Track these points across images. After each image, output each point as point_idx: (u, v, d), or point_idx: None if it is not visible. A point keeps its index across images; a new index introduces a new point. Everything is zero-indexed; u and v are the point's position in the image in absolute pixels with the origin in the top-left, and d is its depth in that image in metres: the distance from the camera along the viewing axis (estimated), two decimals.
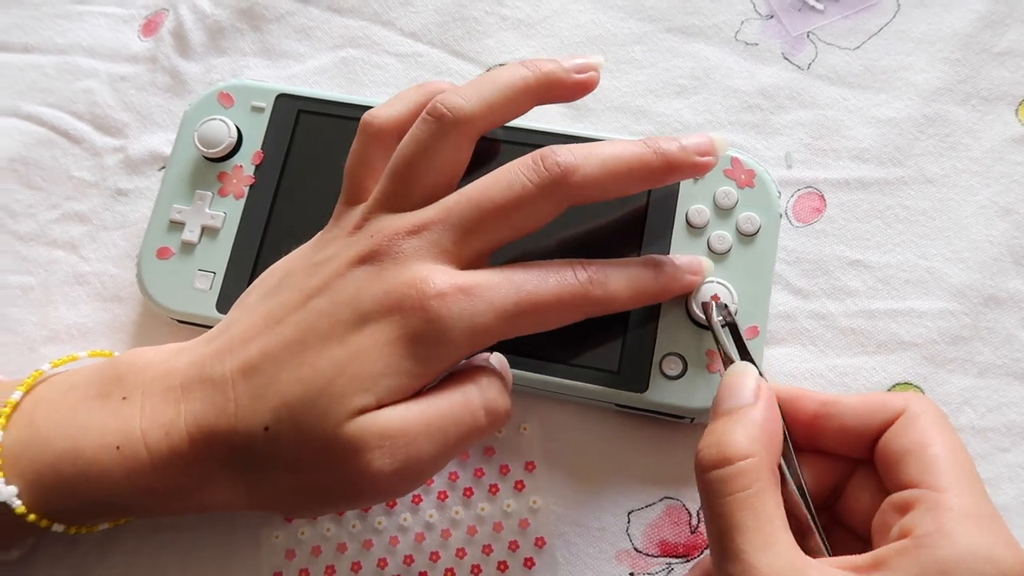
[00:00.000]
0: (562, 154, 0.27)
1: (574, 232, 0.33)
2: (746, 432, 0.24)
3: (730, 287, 0.31)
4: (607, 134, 0.34)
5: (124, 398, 0.27)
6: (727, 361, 0.28)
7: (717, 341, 0.28)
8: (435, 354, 0.25)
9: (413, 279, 0.25)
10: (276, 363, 0.26)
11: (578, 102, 0.37)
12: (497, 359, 0.29)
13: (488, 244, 0.27)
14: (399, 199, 0.28)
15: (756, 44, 0.37)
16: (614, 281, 0.27)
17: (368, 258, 0.26)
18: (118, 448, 0.26)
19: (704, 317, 0.30)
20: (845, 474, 0.26)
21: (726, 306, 0.30)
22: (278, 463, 0.25)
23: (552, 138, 0.34)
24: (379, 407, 0.25)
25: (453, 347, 0.25)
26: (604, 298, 0.27)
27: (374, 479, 0.24)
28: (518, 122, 0.34)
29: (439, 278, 0.25)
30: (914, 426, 0.24)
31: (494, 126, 0.29)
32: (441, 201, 0.27)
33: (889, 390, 0.32)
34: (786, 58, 0.37)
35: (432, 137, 0.27)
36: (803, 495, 0.25)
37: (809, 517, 0.25)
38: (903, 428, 0.24)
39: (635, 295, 0.28)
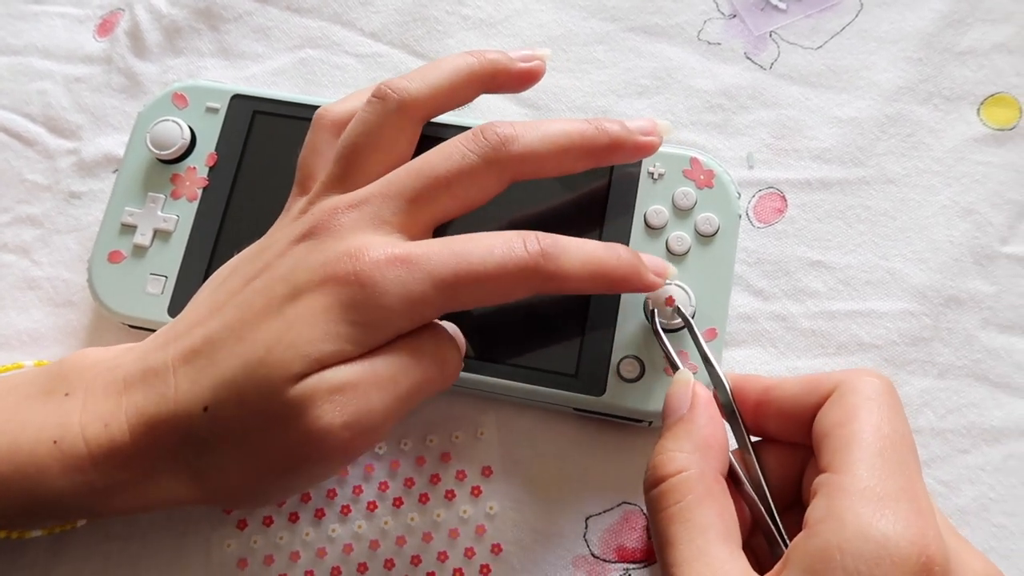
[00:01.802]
0: (502, 126, 0.27)
1: (521, 229, 0.32)
2: (678, 446, 0.24)
3: (688, 289, 0.30)
4: None
5: (66, 394, 0.27)
6: (673, 368, 0.27)
7: (662, 347, 0.28)
8: (371, 320, 0.24)
9: (349, 248, 0.25)
10: (215, 344, 0.25)
11: (539, 102, 0.37)
12: (449, 326, 0.28)
13: (431, 216, 0.27)
14: (345, 181, 0.27)
15: (719, 44, 0.37)
16: (569, 257, 0.26)
17: (308, 235, 0.26)
18: (55, 442, 0.25)
19: (656, 320, 0.30)
20: (803, 463, 0.26)
21: (679, 308, 0.29)
22: (223, 440, 0.25)
23: None
24: (321, 370, 0.24)
25: (390, 315, 0.24)
26: (556, 273, 0.26)
27: (324, 435, 0.24)
28: (466, 120, 0.34)
29: (375, 247, 0.25)
30: (840, 404, 0.23)
31: (439, 111, 0.29)
32: (383, 176, 0.27)
33: None
34: (748, 58, 0.37)
35: (377, 117, 0.27)
36: (761, 492, 0.25)
37: (765, 515, 0.25)
38: (830, 407, 0.23)
39: (591, 277, 0.26)
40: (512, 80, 0.30)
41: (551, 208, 0.33)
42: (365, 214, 0.26)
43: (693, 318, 0.30)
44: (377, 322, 0.25)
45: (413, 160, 0.27)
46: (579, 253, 0.26)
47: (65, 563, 0.31)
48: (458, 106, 0.29)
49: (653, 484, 0.24)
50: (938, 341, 0.32)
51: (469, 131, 0.27)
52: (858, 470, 0.21)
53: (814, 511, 0.21)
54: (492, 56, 0.29)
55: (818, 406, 0.24)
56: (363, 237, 0.25)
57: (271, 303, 0.25)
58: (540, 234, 0.26)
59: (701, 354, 0.28)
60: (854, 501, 0.20)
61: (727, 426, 0.26)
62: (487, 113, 0.37)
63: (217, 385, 0.25)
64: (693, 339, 0.28)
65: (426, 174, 0.26)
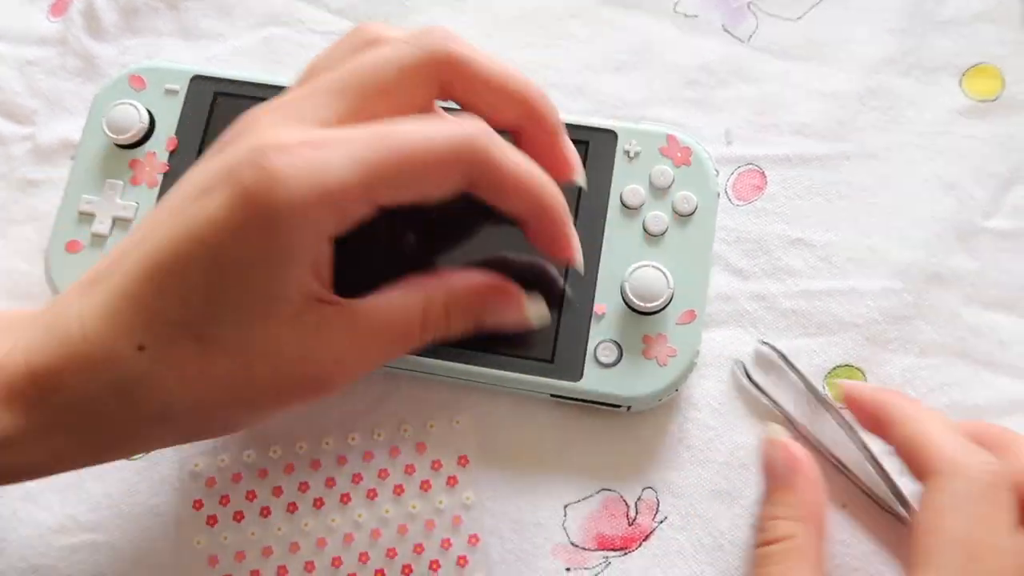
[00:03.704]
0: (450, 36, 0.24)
1: (495, 210, 0.31)
2: (785, 512, 0.27)
3: (666, 270, 0.29)
4: None
5: None
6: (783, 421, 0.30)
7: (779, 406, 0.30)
8: (278, 215, 0.21)
9: (257, 140, 0.22)
10: (113, 259, 0.23)
11: None
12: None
13: (359, 111, 0.23)
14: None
15: (696, 16, 0.36)
16: (508, 154, 0.24)
17: (226, 143, 0.24)
18: None
19: (640, 305, 0.29)
20: None
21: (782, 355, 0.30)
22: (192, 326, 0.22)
23: None
24: None
25: (299, 209, 0.21)
26: (494, 162, 0.23)
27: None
28: (437, 101, 0.33)
29: (285, 133, 0.22)
30: (930, 501, 0.24)
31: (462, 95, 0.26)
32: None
33: (830, 372, 0.31)
34: (727, 30, 0.36)
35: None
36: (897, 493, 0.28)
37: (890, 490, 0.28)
38: (924, 499, 0.25)
39: (525, 187, 0.24)
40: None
41: None
42: (282, 113, 0.23)
43: (672, 300, 0.29)
44: (287, 219, 0.21)
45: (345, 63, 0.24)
46: (518, 156, 0.24)
47: (13, 552, 0.30)
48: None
49: (761, 544, 0.27)
50: (920, 319, 0.31)
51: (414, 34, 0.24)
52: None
53: None
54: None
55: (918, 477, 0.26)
56: (274, 128, 0.22)
57: (175, 210, 0.23)
58: (474, 124, 0.24)
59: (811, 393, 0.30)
60: None
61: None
62: None
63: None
64: (804, 383, 0.30)
65: (355, 71, 0.23)
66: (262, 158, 0.21)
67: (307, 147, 0.21)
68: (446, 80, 0.24)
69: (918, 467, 0.26)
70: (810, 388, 0.29)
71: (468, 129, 0.23)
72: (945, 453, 0.25)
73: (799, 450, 0.28)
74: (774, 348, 0.30)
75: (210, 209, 0.22)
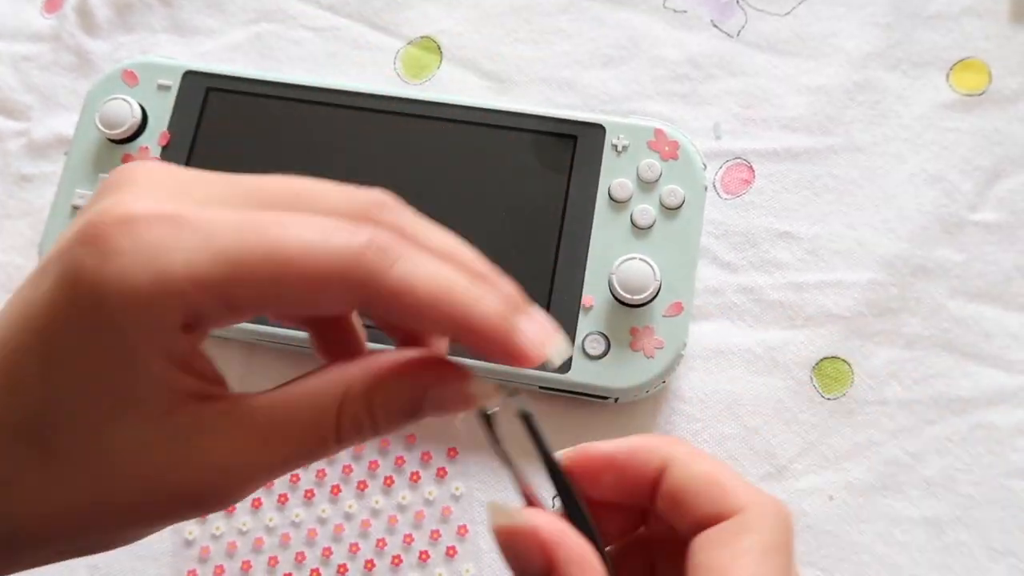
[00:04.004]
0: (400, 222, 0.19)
1: (486, 207, 0.32)
2: None
3: (653, 263, 0.30)
4: (531, 107, 0.33)
5: None
6: (526, 496, 0.20)
7: (507, 465, 0.20)
8: (106, 302, 0.17)
9: (106, 207, 0.18)
10: None
11: (503, 74, 0.36)
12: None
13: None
14: None
15: (684, 11, 0.36)
16: (415, 267, 0.18)
17: (87, 206, 0.19)
18: None
19: (627, 297, 0.29)
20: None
21: (529, 416, 0.21)
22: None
23: (471, 112, 0.33)
24: None
25: (130, 296, 0.17)
26: (389, 282, 0.18)
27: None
28: (429, 95, 0.33)
29: (144, 203, 0.18)
30: (735, 541, 0.18)
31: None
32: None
33: (818, 363, 0.31)
34: (715, 25, 0.36)
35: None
36: None
37: None
38: (720, 537, 0.18)
39: (435, 306, 0.18)
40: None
41: (509, 181, 0.32)
42: (170, 177, 0.19)
43: (659, 292, 0.30)
44: (121, 307, 0.17)
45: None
46: (432, 268, 0.18)
47: None
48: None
49: None
50: (906, 311, 0.31)
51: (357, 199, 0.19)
52: None
53: None
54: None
55: (702, 522, 0.19)
56: (136, 196, 0.18)
57: (16, 289, 0.19)
58: (383, 230, 0.18)
59: (547, 463, 0.21)
60: None
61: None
62: (447, 85, 0.36)
63: None
64: (537, 444, 0.21)
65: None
66: (100, 232, 0.17)
67: (162, 224, 0.17)
68: (362, 297, 0.18)
69: (705, 506, 0.19)
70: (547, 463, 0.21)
71: (360, 238, 0.18)
72: (747, 492, 0.19)
73: (557, 528, 0.19)
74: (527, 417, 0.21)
75: (42, 290, 0.18)
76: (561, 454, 0.21)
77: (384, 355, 0.20)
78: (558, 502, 0.20)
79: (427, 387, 0.20)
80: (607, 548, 0.20)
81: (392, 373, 0.20)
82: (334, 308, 0.19)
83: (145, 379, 0.18)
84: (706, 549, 0.18)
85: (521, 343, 0.19)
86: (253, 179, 0.20)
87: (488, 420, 0.20)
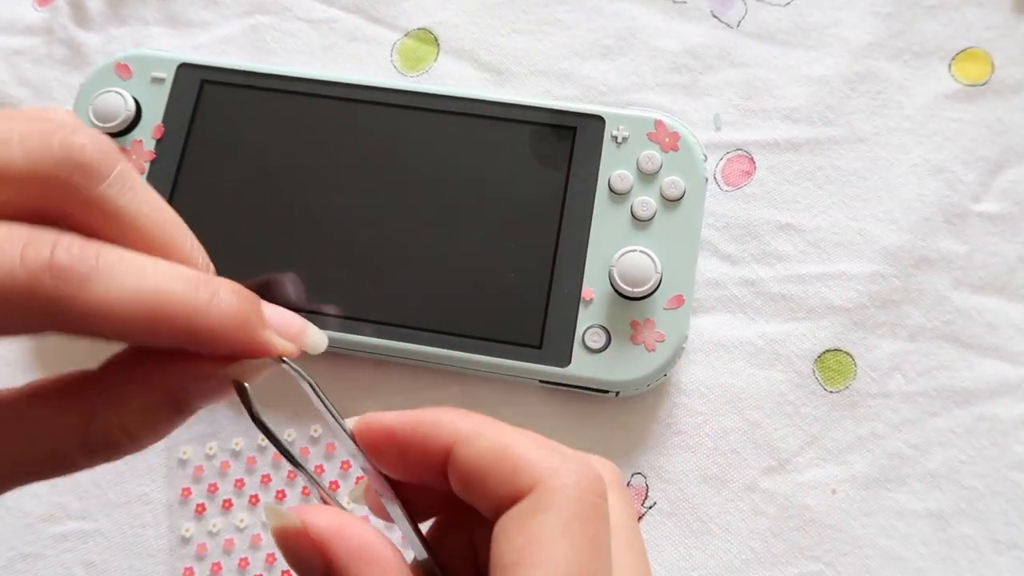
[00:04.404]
0: (81, 250, 0.16)
1: (482, 197, 0.31)
2: None
3: (654, 255, 0.29)
4: (530, 99, 0.32)
5: None
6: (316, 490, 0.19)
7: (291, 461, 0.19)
8: None
9: None
10: None
11: (501, 65, 0.35)
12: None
13: None
14: None
15: (684, 2, 0.36)
16: (107, 285, 0.16)
17: None
18: None
19: (628, 290, 0.29)
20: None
21: (294, 368, 0.18)
22: None
23: (469, 104, 0.32)
24: None
25: None
26: (77, 307, 0.15)
27: None
28: (426, 87, 0.33)
29: None
30: (523, 526, 0.16)
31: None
32: None
33: (820, 356, 0.31)
34: (715, 16, 0.35)
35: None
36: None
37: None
38: (516, 521, 0.16)
39: (148, 319, 0.16)
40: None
41: (508, 173, 0.31)
42: None
43: (660, 285, 0.29)
44: None
45: None
46: (131, 280, 0.16)
47: (1, 541, 0.30)
48: None
49: None
50: (908, 303, 0.31)
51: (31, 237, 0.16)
52: None
53: None
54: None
55: (503, 498, 0.17)
56: None
57: None
58: (68, 240, 0.16)
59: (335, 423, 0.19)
60: None
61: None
62: (444, 77, 0.35)
63: None
64: (318, 399, 0.18)
65: None
66: None
67: None
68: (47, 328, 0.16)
69: (502, 490, 0.17)
70: (332, 421, 0.19)
71: (34, 258, 0.15)
72: (539, 461, 0.17)
73: (351, 530, 0.17)
74: (300, 373, 0.18)
75: None
76: (352, 422, 0.18)
77: (132, 367, 0.18)
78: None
79: (183, 388, 0.17)
80: (425, 526, 0.18)
81: (140, 387, 0.17)
82: (24, 333, 0.16)
83: None
84: (502, 536, 0.16)
85: (270, 339, 0.17)
86: None
87: (245, 392, 0.18)
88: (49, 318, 0.15)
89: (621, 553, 0.18)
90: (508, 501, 0.17)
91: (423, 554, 0.18)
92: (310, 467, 0.30)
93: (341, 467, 0.31)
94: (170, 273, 0.16)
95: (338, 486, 0.30)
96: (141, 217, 0.17)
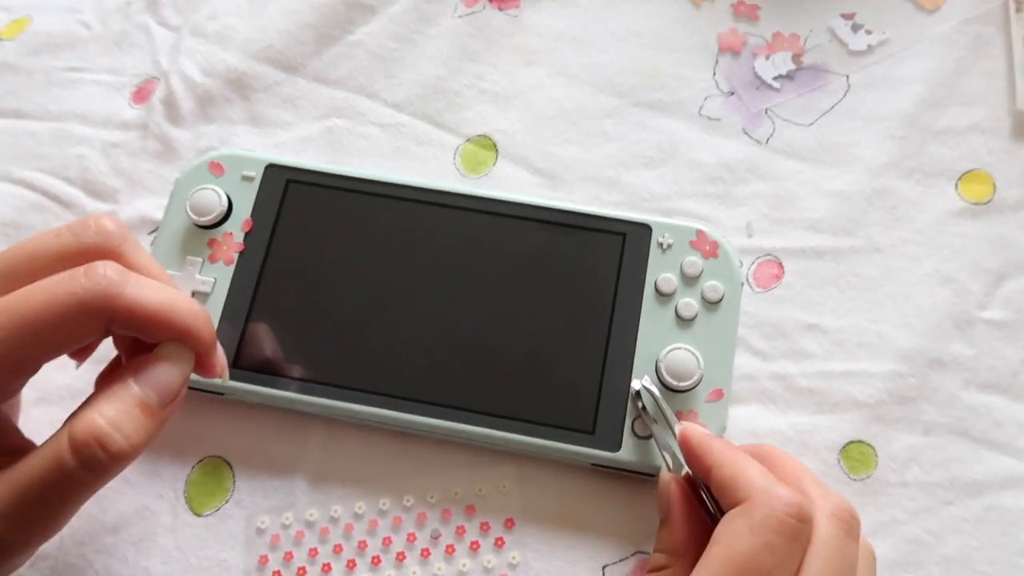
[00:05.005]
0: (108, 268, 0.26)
1: (540, 294, 0.35)
2: (661, 546, 0.29)
3: (696, 352, 0.33)
4: (581, 205, 0.36)
5: None
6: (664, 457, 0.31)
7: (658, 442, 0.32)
8: None
9: None
10: None
11: (554, 171, 0.39)
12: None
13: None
14: None
15: (718, 119, 0.40)
16: (140, 287, 0.25)
17: None
18: None
19: (674, 383, 0.32)
20: None
21: (646, 389, 0.33)
22: None
23: (529, 209, 0.36)
24: None
25: None
26: (126, 303, 0.25)
27: None
28: (488, 191, 0.36)
29: None
30: (729, 519, 0.25)
31: None
32: None
33: (844, 447, 0.34)
34: (746, 132, 0.40)
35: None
36: None
37: None
38: (724, 518, 0.26)
39: (165, 314, 0.26)
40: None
41: (563, 274, 0.35)
42: None
43: (702, 380, 0.33)
44: None
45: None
46: (152, 292, 0.26)
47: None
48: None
49: (648, 570, 0.29)
50: (923, 400, 0.34)
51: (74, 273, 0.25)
52: None
53: None
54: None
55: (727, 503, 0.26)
56: None
57: None
58: (109, 263, 0.25)
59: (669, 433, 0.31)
60: None
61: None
62: (502, 179, 0.39)
63: None
64: (659, 411, 0.32)
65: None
66: None
67: None
68: (107, 320, 0.25)
69: (731, 501, 0.26)
70: (671, 428, 0.31)
71: (96, 280, 0.25)
72: (755, 484, 0.26)
73: (674, 489, 0.29)
74: (648, 390, 0.32)
75: None
76: (680, 427, 0.30)
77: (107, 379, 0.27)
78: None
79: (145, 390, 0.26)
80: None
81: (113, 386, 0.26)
82: (88, 339, 0.26)
83: None
84: (721, 523, 0.26)
85: (215, 355, 0.28)
86: None
87: (637, 395, 0.33)
88: (107, 310, 0.25)
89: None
90: (733, 505, 0.26)
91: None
92: (377, 540, 0.33)
93: (407, 539, 0.33)
94: (174, 291, 0.27)
95: (404, 557, 0.33)
96: (146, 264, 0.28)
